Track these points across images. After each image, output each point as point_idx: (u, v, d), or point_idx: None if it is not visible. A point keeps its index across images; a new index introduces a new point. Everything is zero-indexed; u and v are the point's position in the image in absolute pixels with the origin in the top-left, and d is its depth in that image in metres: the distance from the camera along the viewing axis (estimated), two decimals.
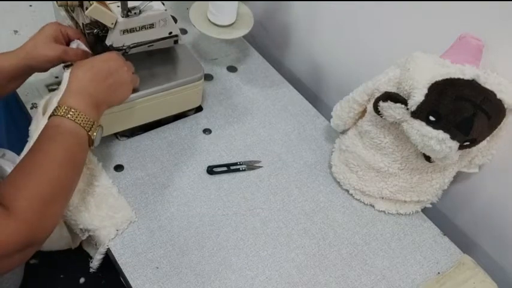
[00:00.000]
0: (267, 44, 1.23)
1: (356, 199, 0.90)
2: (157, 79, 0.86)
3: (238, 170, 0.90)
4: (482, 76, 0.70)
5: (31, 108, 0.92)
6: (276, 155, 0.94)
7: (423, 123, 0.70)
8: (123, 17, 0.78)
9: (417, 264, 0.83)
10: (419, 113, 0.71)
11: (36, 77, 0.91)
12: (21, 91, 0.92)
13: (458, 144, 0.70)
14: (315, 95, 1.15)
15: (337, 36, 1.03)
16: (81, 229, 0.77)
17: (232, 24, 0.99)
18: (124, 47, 0.82)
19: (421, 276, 0.81)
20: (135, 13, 0.78)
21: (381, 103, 0.75)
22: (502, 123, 0.73)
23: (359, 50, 1.00)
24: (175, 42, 0.88)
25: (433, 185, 0.85)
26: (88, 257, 0.82)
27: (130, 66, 0.79)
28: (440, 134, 0.69)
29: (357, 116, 0.87)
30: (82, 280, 0.82)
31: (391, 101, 0.73)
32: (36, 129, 0.75)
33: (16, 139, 1.02)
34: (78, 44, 0.81)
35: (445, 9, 0.79)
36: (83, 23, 0.81)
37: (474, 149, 0.78)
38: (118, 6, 0.78)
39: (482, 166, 0.85)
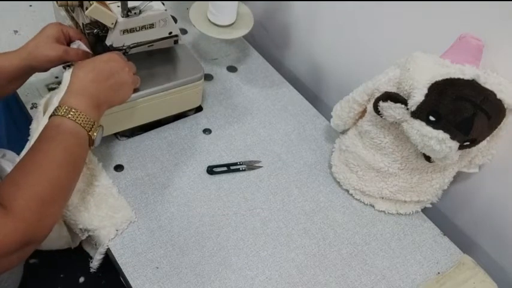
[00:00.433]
0: (267, 44, 1.24)
1: (356, 199, 0.90)
2: (157, 79, 0.86)
3: (238, 170, 0.90)
4: (482, 76, 0.70)
5: (31, 108, 0.92)
6: (276, 155, 0.94)
7: (423, 123, 0.70)
8: (123, 17, 0.78)
9: (417, 264, 0.83)
10: (419, 113, 0.71)
11: (37, 77, 0.91)
12: (21, 91, 0.92)
13: (458, 144, 0.70)
14: (315, 95, 1.15)
15: (337, 36, 1.03)
16: (80, 229, 0.77)
17: (232, 24, 0.99)
18: (124, 47, 0.82)
19: (421, 276, 0.81)
20: (135, 13, 0.78)
21: (380, 103, 0.75)
22: (502, 123, 0.73)
23: (359, 50, 1.00)
24: (175, 42, 0.88)
25: (433, 185, 0.85)
26: (88, 257, 0.82)
27: (131, 67, 0.79)
28: (440, 134, 0.69)
29: (357, 116, 0.87)
30: (82, 279, 0.82)
31: (391, 101, 0.73)
32: (36, 128, 0.75)
33: (16, 139, 1.02)
34: (79, 45, 0.81)
35: (445, 9, 0.79)
36: (83, 23, 0.82)
37: (474, 149, 0.78)
38: (118, 6, 0.78)
39: (482, 166, 0.85)
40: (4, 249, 0.57)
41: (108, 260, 0.79)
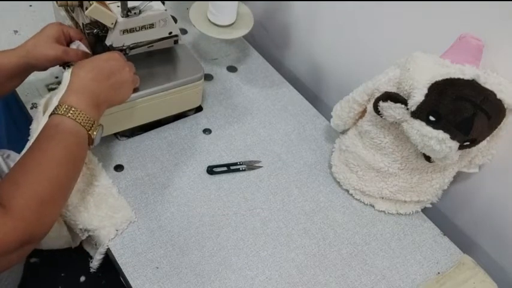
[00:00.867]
0: (267, 44, 1.24)
1: (356, 199, 0.90)
2: (157, 79, 0.86)
3: (238, 170, 0.90)
4: (482, 76, 0.70)
5: (31, 108, 0.92)
6: (276, 155, 0.94)
7: (423, 123, 0.70)
8: (123, 17, 0.78)
9: (417, 264, 0.83)
10: (419, 113, 0.71)
11: (36, 77, 0.91)
12: (21, 91, 0.92)
13: (458, 144, 0.70)
14: (315, 95, 1.15)
15: (337, 36, 1.03)
16: (80, 229, 0.77)
17: (232, 24, 0.99)
18: (124, 47, 0.82)
19: (421, 276, 0.81)
20: (135, 13, 0.78)
21: (380, 103, 0.75)
22: (502, 123, 0.73)
23: (359, 50, 1.00)
24: (175, 42, 0.88)
25: (433, 185, 0.85)
26: (89, 256, 0.83)
27: (131, 67, 0.79)
28: (440, 134, 0.69)
29: (357, 116, 0.87)
30: (82, 279, 0.82)
31: (391, 101, 0.73)
32: (36, 129, 0.75)
33: (16, 139, 1.02)
34: (78, 45, 0.81)
35: (445, 9, 0.79)
36: (83, 23, 0.82)
37: (474, 149, 0.78)
38: (118, 6, 0.78)
39: (482, 166, 0.85)
40: (3, 248, 0.58)
41: (109, 259, 0.79)
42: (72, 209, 0.76)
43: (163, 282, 0.74)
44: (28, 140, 0.77)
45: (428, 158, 0.78)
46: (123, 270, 0.74)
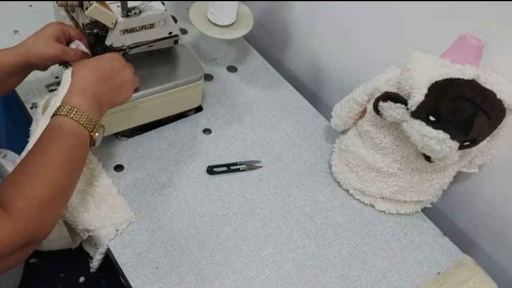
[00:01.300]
0: (267, 44, 1.23)
1: (356, 199, 0.90)
2: (157, 79, 0.86)
3: (238, 170, 0.90)
4: (482, 76, 0.70)
5: (31, 108, 0.91)
6: (276, 155, 0.94)
7: (423, 123, 0.70)
8: (123, 17, 0.78)
9: (417, 264, 0.83)
10: (419, 113, 0.71)
11: (36, 77, 0.91)
12: (21, 91, 0.92)
13: (458, 144, 0.70)
14: (315, 95, 1.15)
15: (337, 36, 1.03)
16: (81, 229, 0.77)
17: (232, 24, 0.99)
18: (124, 47, 0.82)
19: (421, 276, 0.81)
20: (135, 13, 0.78)
21: (380, 103, 0.75)
22: (502, 123, 0.73)
23: (359, 50, 1.00)
24: (175, 42, 0.88)
25: (433, 185, 0.85)
26: (88, 257, 0.83)
27: (132, 67, 0.79)
28: (440, 134, 0.69)
29: (357, 116, 0.87)
30: (82, 279, 0.82)
31: (391, 101, 0.73)
32: (36, 129, 0.75)
33: (16, 139, 1.02)
34: (77, 45, 0.81)
35: (445, 9, 0.79)
36: (83, 23, 0.82)
37: (474, 149, 0.78)
38: (118, 6, 0.78)
39: (482, 166, 0.85)
40: (4, 250, 0.57)
41: (109, 260, 0.79)
42: (72, 210, 0.76)
43: (163, 282, 0.74)
44: (28, 141, 0.77)
45: (428, 158, 0.78)
46: (123, 270, 0.74)
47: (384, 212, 0.89)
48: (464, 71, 0.71)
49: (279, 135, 0.97)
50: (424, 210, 0.90)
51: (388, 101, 0.74)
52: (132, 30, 0.80)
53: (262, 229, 0.83)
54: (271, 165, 0.92)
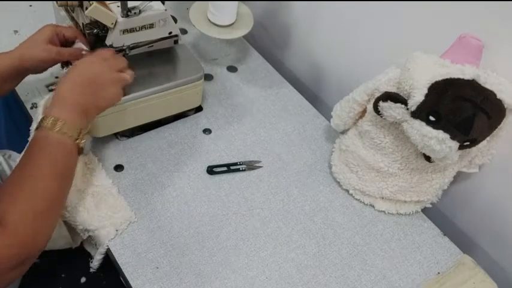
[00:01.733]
0: (267, 44, 1.24)
1: (356, 199, 0.90)
2: (157, 79, 0.86)
3: (238, 170, 0.90)
4: (482, 76, 0.70)
5: (31, 108, 0.91)
6: (276, 155, 0.94)
7: (423, 123, 0.70)
8: (123, 17, 0.78)
9: (417, 264, 0.83)
10: (419, 113, 0.71)
11: (36, 77, 0.90)
12: (21, 91, 0.92)
13: (458, 144, 0.70)
14: (315, 95, 1.15)
15: (337, 36, 1.03)
16: (81, 229, 0.77)
17: (232, 24, 0.99)
18: (124, 47, 0.82)
19: (421, 276, 0.81)
20: (135, 13, 0.78)
21: (380, 103, 0.75)
22: (502, 123, 0.73)
23: (359, 50, 1.00)
24: (175, 42, 0.88)
25: (433, 185, 0.85)
26: (89, 257, 0.83)
27: (115, 64, 0.75)
28: (440, 134, 0.69)
29: (357, 116, 0.87)
30: (83, 280, 0.82)
31: (391, 101, 0.73)
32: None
33: (16, 139, 1.02)
34: (79, 45, 0.81)
35: (445, 9, 0.79)
36: (83, 23, 0.82)
37: (474, 149, 0.78)
38: (118, 6, 0.78)
39: (482, 166, 0.85)
40: (1, 266, 0.57)
41: (109, 260, 0.79)
42: (72, 209, 0.76)
43: (163, 282, 0.74)
44: (28, 141, 0.77)
45: (428, 158, 0.78)
46: (123, 270, 0.74)
47: (384, 212, 0.89)
48: (464, 71, 0.71)
49: (279, 135, 0.97)
50: (424, 210, 0.90)
51: (388, 101, 0.74)
52: (132, 30, 0.80)
53: (262, 229, 0.83)
54: (271, 165, 0.92)
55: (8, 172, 0.85)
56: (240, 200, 0.86)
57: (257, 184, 0.89)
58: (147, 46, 0.85)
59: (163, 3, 0.82)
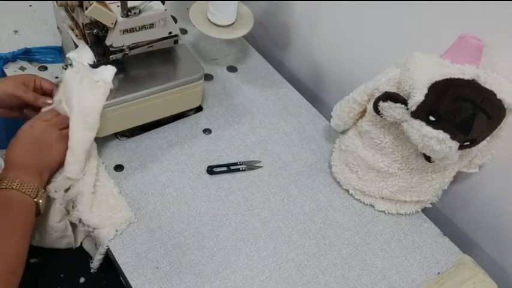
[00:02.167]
0: (267, 44, 1.24)
1: (356, 199, 0.90)
2: (157, 79, 0.86)
3: (238, 170, 0.90)
4: (482, 76, 0.70)
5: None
6: (276, 155, 0.94)
7: (423, 123, 0.70)
8: (123, 17, 0.78)
9: (417, 264, 0.83)
10: (419, 113, 0.71)
11: None
12: None
13: (458, 144, 0.70)
14: (315, 95, 1.15)
15: (337, 36, 1.03)
16: (82, 224, 0.78)
17: (232, 24, 0.99)
18: (124, 47, 0.82)
19: (421, 276, 0.81)
20: (134, 13, 0.78)
21: (381, 103, 0.75)
22: (502, 123, 0.73)
23: (359, 50, 1.00)
24: (175, 42, 0.88)
25: (433, 185, 0.85)
26: (88, 257, 0.83)
27: (57, 124, 0.78)
28: (440, 134, 0.69)
29: (357, 116, 0.87)
30: (82, 280, 0.82)
31: (391, 101, 0.73)
32: None
33: None
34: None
35: (445, 9, 0.79)
36: (82, 23, 0.82)
37: (474, 149, 0.78)
38: (118, 6, 0.78)
39: (482, 166, 0.85)
40: None
41: (109, 260, 0.79)
42: (74, 207, 0.76)
43: (163, 282, 0.74)
44: None
45: (428, 158, 0.78)
46: (123, 270, 0.74)
47: (384, 212, 0.89)
48: (464, 71, 0.71)
49: (279, 135, 0.97)
50: (424, 210, 0.90)
51: (388, 101, 0.74)
52: (132, 30, 0.80)
53: (262, 229, 0.83)
54: (271, 165, 0.92)
55: None
56: (240, 200, 0.86)
57: (257, 184, 0.89)
58: (147, 46, 0.85)
59: (163, 3, 0.82)
